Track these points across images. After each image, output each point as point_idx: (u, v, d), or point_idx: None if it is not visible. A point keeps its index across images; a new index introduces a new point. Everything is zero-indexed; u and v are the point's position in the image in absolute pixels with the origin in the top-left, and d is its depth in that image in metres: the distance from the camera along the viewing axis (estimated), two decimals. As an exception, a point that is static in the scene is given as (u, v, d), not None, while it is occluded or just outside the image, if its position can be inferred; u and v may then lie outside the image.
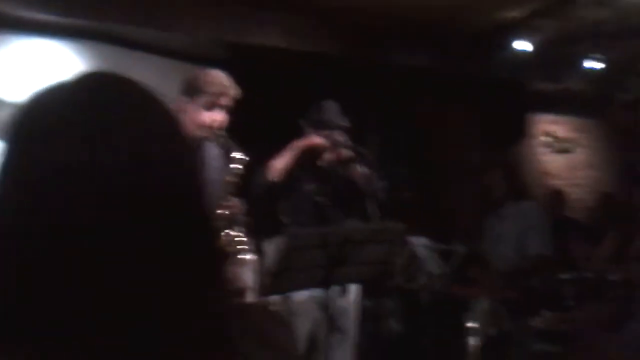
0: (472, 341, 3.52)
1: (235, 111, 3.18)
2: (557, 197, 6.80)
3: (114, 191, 0.70)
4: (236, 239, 3.08)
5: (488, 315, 3.45)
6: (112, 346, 0.67)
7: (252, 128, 4.39)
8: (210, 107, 3.07)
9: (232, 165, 3.11)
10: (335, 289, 3.72)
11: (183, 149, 0.79)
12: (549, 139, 8.27)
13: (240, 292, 3.47)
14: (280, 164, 3.78)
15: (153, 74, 4.74)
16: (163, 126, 0.78)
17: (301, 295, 3.72)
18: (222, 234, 3.05)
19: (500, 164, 5.01)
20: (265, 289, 3.07)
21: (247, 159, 3.07)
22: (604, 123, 8.79)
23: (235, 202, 3.11)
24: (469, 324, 3.57)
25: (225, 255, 0.85)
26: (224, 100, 3.10)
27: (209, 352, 0.72)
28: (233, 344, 0.75)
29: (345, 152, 3.92)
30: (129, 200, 0.70)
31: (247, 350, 0.75)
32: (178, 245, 0.73)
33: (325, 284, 3.11)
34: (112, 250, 0.69)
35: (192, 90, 3.09)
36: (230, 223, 3.09)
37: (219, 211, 3.05)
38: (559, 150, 8.39)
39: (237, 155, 3.07)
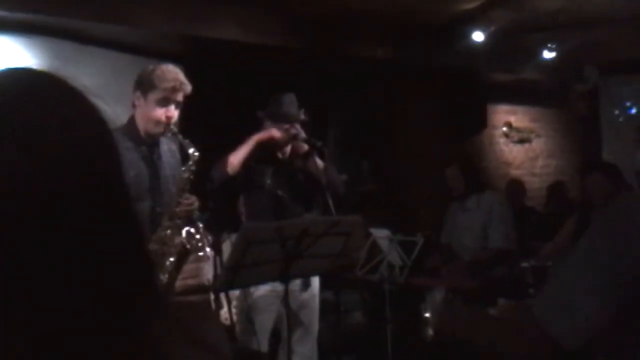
0: (429, 331, 3.54)
1: (191, 105, 3.15)
2: (516, 186, 6.88)
3: (28, 195, 0.68)
4: (194, 235, 3.06)
5: (442, 305, 3.47)
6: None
7: (208, 122, 4.38)
8: (163, 102, 3.04)
9: (187, 162, 3.08)
10: (297, 283, 3.74)
11: (103, 149, 0.77)
12: (507, 129, 8.37)
13: (201, 288, 3.45)
14: (238, 157, 3.77)
15: (107, 69, 4.72)
16: (80, 124, 0.75)
17: (262, 291, 3.72)
18: (181, 230, 3.04)
19: (458, 157, 5.07)
20: (222, 284, 3.05)
21: (199, 154, 3.04)
22: (561, 113, 8.92)
23: (191, 198, 3.08)
24: (426, 314, 3.58)
25: (152, 259, 0.83)
26: (178, 96, 3.07)
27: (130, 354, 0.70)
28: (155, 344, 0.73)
29: (304, 145, 3.92)
30: (43, 203, 0.68)
31: (173, 350, 0.74)
32: (101, 249, 0.72)
33: (283, 277, 3.10)
34: (32, 257, 0.67)
35: (146, 85, 3.05)
36: (187, 219, 3.07)
37: (175, 208, 3.03)
38: (517, 140, 8.49)
39: (191, 151, 3.04)
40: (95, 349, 0.69)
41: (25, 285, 0.68)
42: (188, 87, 3.08)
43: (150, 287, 0.78)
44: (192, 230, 3.06)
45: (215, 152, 3.38)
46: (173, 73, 3.06)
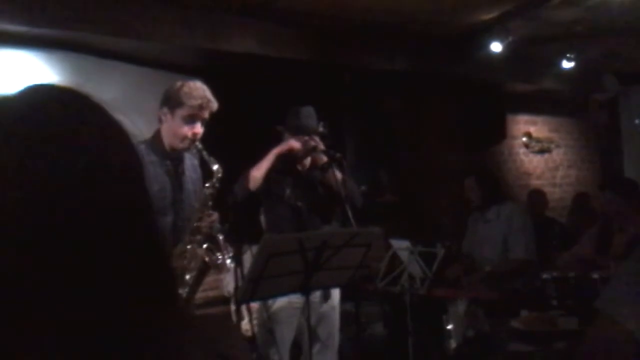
0: (452, 343, 3.52)
1: (212, 118, 3.17)
2: (537, 197, 6.83)
3: (49, 206, 0.69)
4: (214, 250, 3.08)
5: (465, 317, 3.45)
6: None
7: (226, 135, 4.40)
8: (190, 119, 3.06)
9: (210, 178, 3.10)
10: (317, 295, 3.74)
11: (127, 163, 0.78)
12: (527, 140, 8.33)
13: (222, 300, 3.48)
14: (259, 172, 3.79)
15: (127, 83, 4.76)
16: (107, 138, 0.76)
17: (282, 302, 3.72)
18: (202, 245, 3.06)
19: (475, 170, 5.07)
20: (242, 296, 3.05)
21: (222, 171, 3.06)
22: (580, 122, 8.87)
23: (213, 215, 3.10)
24: (448, 326, 3.57)
25: (173, 272, 0.83)
26: (205, 113, 3.09)
27: None
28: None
29: (322, 157, 3.93)
30: (65, 215, 0.69)
31: None
32: (126, 261, 0.73)
33: (304, 289, 3.10)
34: (48, 268, 0.68)
35: (173, 101, 3.08)
36: (208, 234, 3.09)
37: (197, 224, 3.05)
38: (537, 151, 8.45)
39: (215, 167, 3.06)
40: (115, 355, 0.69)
41: (51, 296, 0.69)
42: (214, 105, 3.10)
43: (173, 300, 0.79)
44: (213, 245, 3.09)
45: (233, 165, 3.39)
46: (200, 90, 3.09)
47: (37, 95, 0.77)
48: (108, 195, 0.73)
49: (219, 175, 3.06)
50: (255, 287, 2.91)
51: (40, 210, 0.69)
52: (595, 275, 3.84)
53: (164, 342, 0.73)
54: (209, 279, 3.23)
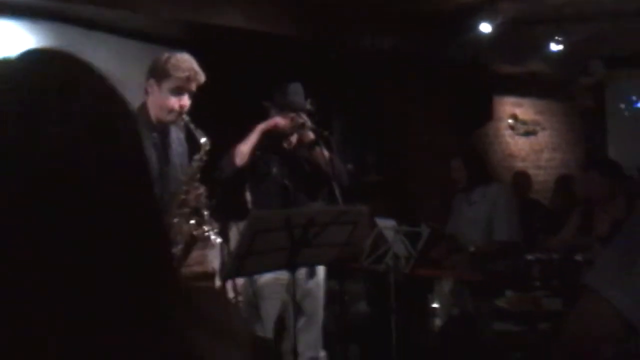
0: (437, 322, 3.54)
1: (198, 93, 3.14)
2: (521, 179, 6.86)
3: (44, 174, 0.66)
4: (201, 223, 3.07)
5: (450, 296, 3.47)
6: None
7: (213, 109, 4.36)
8: (177, 91, 3.03)
9: (197, 151, 3.08)
10: (302, 272, 3.74)
11: (128, 134, 0.75)
12: (513, 122, 8.35)
13: (208, 275, 3.46)
14: (245, 148, 3.77)
15: (112, 55, 4.69)
16: (108, 108, 0.74)
17: (268, 278, 3.72)
18: (188, 218, 3.04)
19: (461, 151, 5.07)
20: (228, 272, 3.05)
21: (209, 144, 3.04)
22: (566, 105, 8.90)
23: (200, 188, 3.08)
24: (433, 305, 3.59)
25: (170, 243, 0.81)
26: (192, 86, 3.06)
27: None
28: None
29: (310, 135, 3.91)
30: (60, 184, 0.67)
31: (197, 338, 0.73)
32: (129, 231, 0.70)
33: (290, 266, 3.10)
34: (44, 240, 0.66)
35: (160, 73, 3.04)
36: (195, 207, 3.07)
37: (184, 197, 3.03)
38: (523, 133, 8.47)
39: (202, 140, 3.04)
40: (122, 338, 0.67)
41: (52, 269, 0.66)
42: (202, 77, 3.07)
43: (172, 273, 0.77)
44: (199, 218, 3.07)
45: (219, 140, 3.36)
46: (188, 62, 3.05)
47: (38, 59, 0.74)
48: (115, 162, 0.70)
49: (207, 148, 3.04)
50: (242, 263, 2.91)
51: (40, 183, 0.66)
52: (579, 257, 3.87)
53: (166, 317, 0.71)
54: (194, 254, 3.21)
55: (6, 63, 0.73)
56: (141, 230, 0.72)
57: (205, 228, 3.07)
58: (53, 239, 0.66)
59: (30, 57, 0.74)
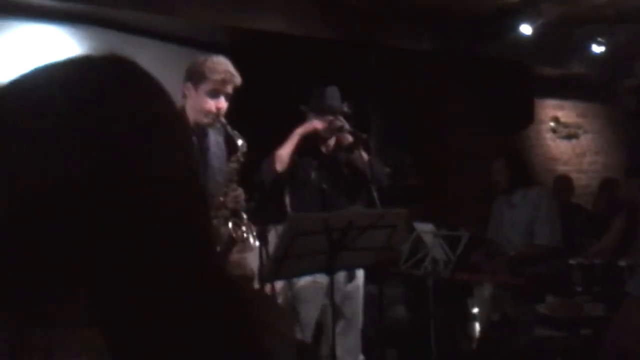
0: (476, 327, 3.50)
1: (236, 97, 3.16)
2: (563, 183, 6.75)
3: (100, 176, 0.67)
4: (239, 226, 3.08)
5: (491, 300, 3.43)
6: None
7: (252, 113, 4.38)
8: (214, 94, 3.06)
9: (235, 153, 3.10)
10: (341, 275, 3.73)
11: (183, 138, 0.77)
12: (554, 125, 8.23)
13: (247, 279, 3.48)
14: (285, 153, 3.79)
15: (153, 60, 4.72)
16: (163, 112, 0.76)
17: (306, 282, 3.72)
18: (227, 221, 3.06)
19: (504, 152, 4.99)
20: (266, 275, 3.05)
21: (246, 146, 3.06)
22: (609, 108, 8.74)
23: (238, 190, 3.10)
24: (473, 310, 3.55)
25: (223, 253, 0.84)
26: (228, 88, 3.09)
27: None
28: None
29: (348, 138, 3.90)
30: (111, 186, 0.68)
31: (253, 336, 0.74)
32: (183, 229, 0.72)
33: (328, 269, 3.09)
34: (104, 241, 0.67)
35: (197, 76, 3.08)
36: (234, 210, 3.09)
37: (222, 199, 3.05)
38: (565, 136, 8.34)
39: (239, 142, 3.06)
40: (170, 341, 0.68)
41: (102, 272, 0.67)
42: (238, 79, 3.10)
43: (223, 274, 0.78)
44: (238, 221, 3.09)
45: (258, 143, 3.38)
46: (224, 65, 3.08)
47: (93, 63, 0.76)
48: (169, 162, 0.72)
49: (244, 150, 3.06)
50: (280, 266, 2.91)
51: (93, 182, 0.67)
52: (622, 263, 3.79)
53: (215, 316, 0.72)
54: (233, 257, 3.23)
55: (53, 67, 0.74)
56: (191, 225, 0.73)
57: (244, 230, 3.08)
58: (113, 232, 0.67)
59: (87, 61, 0.76)
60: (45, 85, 0.72)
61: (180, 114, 0.79)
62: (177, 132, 0.76)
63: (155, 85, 0.77)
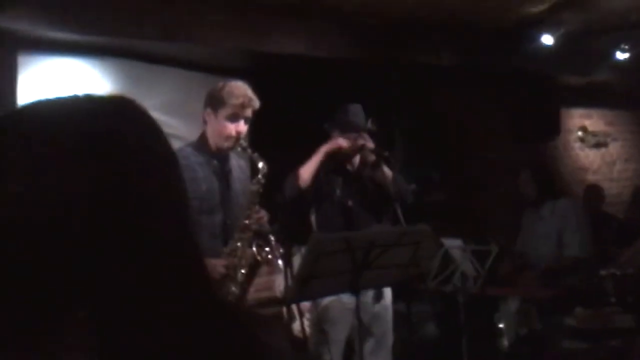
0: (504, 341, 3.47)
1: (258, 119, 3.20)
2: (593, 192, 6.67)
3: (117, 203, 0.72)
4: (264, 247, 3.11)
5: (518, 315, 3.40)
6: None
7: (275, 135, 4.42)
8: (233, 118, 3.11)
9: (256, 175, 3.14)
10: (369, 295, 3.73)
11: (175, 167, 0.81)
12: (582, 134, 8.13)
13: (275, 300, 3.50)
14: (308, 170, 3.80)
15: (176, 87, 4.83)
16: (156, 146, 0.79)
17: (333, 301, 3.72)
18: (251, 243, 3.09)
19: (530, 163, 4.96)
20: (292, 295, 3.07)
21: (268, 168, 3.10)
22: (637, 115, 8.62)
23: (261, 212, 3.13)
24: (500, 325, 3.52)
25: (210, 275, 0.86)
26: (247, 112, 3.13)
27: None
28: None
29: (372, 155, 3.91)
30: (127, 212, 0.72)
31: None
32: (165, 260, 0.75)
33: (353, 288, 3.09)
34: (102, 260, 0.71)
35: (216, 101, 3.14)
36: (258, 232, 3.12)
37: (246, 221, 3.08)
38: (593, 145, 8.24)
39: (260, 165, 3.10)
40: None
41: (92, 292, 0.71)
42: (256, 103, 3.14)
43: (215, 302, 0.80)
44: (262, 242, 3.12)
45: (282, 165, 3.41)
46: (242, 89, 3.13)
47: (85, 101, 0.79)
48: (157, 199, 0.75)
49: (265, 172, 3.09)
50: (304, 286, 2.92)
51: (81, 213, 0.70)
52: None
53: (205, 340, 0.74)
54: (261, 279, 3.25)
55: (71, 100, 0.78)
56: (179, 255, 0.76)
57: (269, 252, 3.11)
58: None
59: (92, 99, 0.79)
60: (54, 115, 0.75)
61: (173, 152, 0.83)
62: (170, 165, 0.80)
63: (152, 124, 0.81)
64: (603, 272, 4.26)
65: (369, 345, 3.78)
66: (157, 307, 0.72)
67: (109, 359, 0.70)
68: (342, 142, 3.89)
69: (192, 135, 3.42)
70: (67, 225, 0.69)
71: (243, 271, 3.06)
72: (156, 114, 0.99)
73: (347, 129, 3.93)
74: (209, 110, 3.16)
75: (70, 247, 0.69)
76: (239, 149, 3.15)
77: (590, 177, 7.98)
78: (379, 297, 3.87)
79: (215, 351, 0.74)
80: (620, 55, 6.77)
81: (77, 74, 4.47)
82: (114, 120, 0.77)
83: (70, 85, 4.32)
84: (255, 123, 3.23)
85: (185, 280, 0.76)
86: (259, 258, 3.10)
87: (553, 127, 7.48)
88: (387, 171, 3.91)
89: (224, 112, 3.11)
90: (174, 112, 4.46)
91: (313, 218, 4.05)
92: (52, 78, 4.34)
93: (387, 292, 3.95)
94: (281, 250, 3.20)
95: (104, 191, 0.71)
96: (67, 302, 0.71)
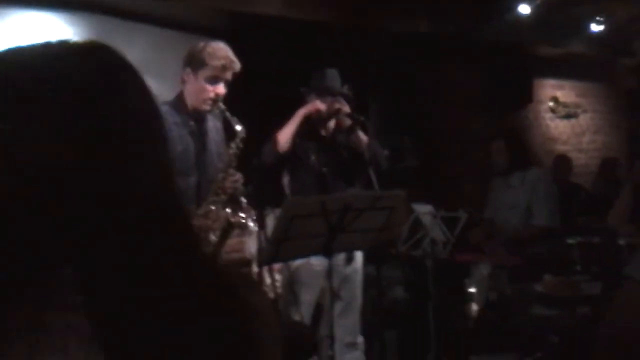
0: (474, 306, 3.53)
1: (236, 81, 3.17)
2: (562, 163, 6.76)
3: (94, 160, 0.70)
4: (237, 210, 3.10)
5: (488, 280, 3.46)
6: None
7: (250, 97, 4.38)
8: (213, 80, 3.07)
9: (233, 138, 3.12)
10: (340, 257, 3.75)
11: (158, 120, 0.79)
12: (553, 104, 8.21)
13: (246, 262, 3.51)
14: (286, 134, 3.79)
15: (149, 45, 4.75)
16: (146, 106, 0.77)
17: (302, 264, 3.74)
18: (225, 205, 3.08)
19: (503, 133, 4.98)
20: (265, 258, 3.08)
21: (245, 131, 3.08)
22: (608, 87, 8.72)
23: (236, 174, 3.12)
24: (470, 289, 3.58)
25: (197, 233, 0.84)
26: (228, 74, 3.09)
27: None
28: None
29: (347, 120, 3.91)
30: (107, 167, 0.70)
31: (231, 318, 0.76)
32: (151, 222, 0.73)
33: (326, 251, 3.11)
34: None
35: (196, 62, 3.08)
36: (232, 195, 3.11)
37: (221, 184, 3.07)
38: (564, 116, 8.33)
39: (238, 127, 3.07)
40: (152, 332, 0.70)
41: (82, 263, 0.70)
42: (237, 66, 3.10)
43: (200, 260, 0.79)
44: (236, 205, 3.11)
45: (257, 127, 3.39)
46: (223, 51, 3.08)
47: (81, 52, 0.77)
48: (133, 154, 0.73)
49: (242, 135, 3.07)
50: (278, 249, 2.93)
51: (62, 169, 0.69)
52: (622, 242, 3.80)
53: (196, 302, 0.74)
54: (232, 241, 3.25)
55: (46, 49, 0.75)
56: (165, 216, 0.75)
57: (242, 215, 3.11)
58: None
59: (69, 46, 0.76)
60: (27, 66, 0.73)
61: (155, 102, 0.80)
62: (152, 116, 0.78)
63: (136, 76, 0.78)
64: (570, 241, 4.34)
65: (338, 307, 3.82)
66: (143, 261, 0.71)
67: (95, 317, 0.69)
68: (320, 105, 3.87)
69: (165, 94, 3.36)
70: (49, 179, 0.68)
71: (216, 233, 3.05)
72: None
73: (323, 92, 3.91)
74: (188, 70, 3.10)
75: (51, 201, 0.68)
76: (217, 111, 3.12)
77: (560, 148, 8.08)
78: (350, 259, 3.90)
79: (202, 306, 0.73)
80: (595, 27, 6.82)
81: (47, 28, 4.36)
82: (92, 67, 0.74)
83: (40, 40, 4.21)
84: (231, 85, 3.19)
85: (171, 234, 0.75)
86: (231, 220, 3.09)
87: (525, 97, 7.54)
88: (362, 136, 3.91)
89: (203, 73, 3.06)
90: (147, 70, 4.35)
91: (285, 180, 4.05)
92: (21, 32, 4.23)
93: (358, 256, 3.98)
94: (253, 213, 3.20)
95: (85, 142, 0.69)
96: (51, 259, 0.70)
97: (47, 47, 0.75)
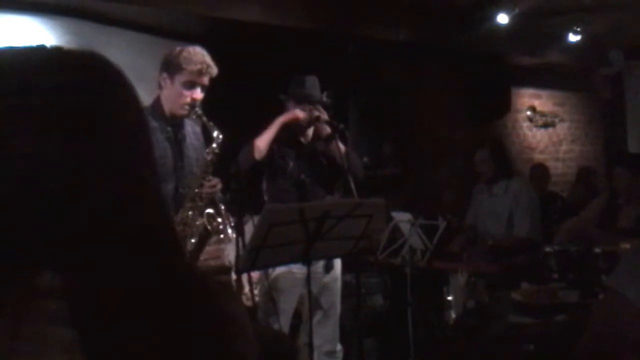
0: (452, 314, 3.53)
1: (212, 87, 3.15)
2: (540, 171, 6.81)
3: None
4: (215, 217, 3.08)
5: (466, 288, 3.46)
6: None
7: (228, 103, 4.37)
8: (190, 85, 3.04)
9: (210, 144, 3.09)
10: (319, 265, 3.74)
11: (145, 125, 0.80)
12: (531, 113, 8.28)
13: (224, 269, 3.48)
14: (264, 141, 3.77)
15: (127, 50, 4.71)
16: (128, 101, 0.77)
17: (283, 271, 3.73)
18: (203, 212, 3.06)
19: (488, 142, 4.99)
20: (243, 265, 3.05)
21: (222, 137, 3.06)
22: (585, 97, 8.81)
23: (213, 180, 3.10)
24: (449, 297, 3.58)
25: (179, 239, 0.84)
26: (205, 79, 3.07)
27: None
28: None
29: (326, 128, 3.90)
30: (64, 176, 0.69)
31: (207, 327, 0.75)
32: (133, 224, 0.73)
33: (305, 259, 3.10)
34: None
35: (173, 67, 3.06)
36: (209, 201, 3.09)
37: (198, 190, 3.04)
38: (541, 125, 8.40)
39: (215, 133, 3.05)
40: (131, 334, 0.69)
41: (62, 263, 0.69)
42: (214, 70, 3.08)
43: (182, 267, 0.78)
44: (214, 212, 3.09)
45: (235, 134, 3.37)
46: (200, 56, 3.06)
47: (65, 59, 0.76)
48: (117, 156, 0.74)
49: (219, 141, 3.05)
50: (256, 256, 2.91)
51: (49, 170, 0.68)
52: (598, 250, 3.82)
53: (174, 311, 0.73)
54: (211, 248, 3.23)
55: (35, 51, 0.76)
56: (149, 219, 0.74)
57: (220, 221, 3.08)
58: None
59: (60, 51, 0.77)
60: (18, 67, 0.73)
61: (143, 112, 0.81)
62: (141, 123, 0.79)
63: (125, 81, 0.79)
64: (547, 249, 4.36)
65: (317, 315, 3.81)
66: (124, 262, 0.71)
67: (77, 317, 0.68)
68: (299, 113, 3.86)
69: (143, 99, 3.33)
70: (34, 179, 0.67)
71: (193, 240, 3.02)
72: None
73: (302, 100, 3.90)
74: (164, 75, 3.08)
75: (35, 201, 0.67)
76: (194, 116, 3.10)
77: (537, 156, 8.15)
78: (329, 267, 3.89)
79: (179, 314, 0.73)
80: (573, 37, 6.89)
81: (26, 32, 4.33)
82: (86, 74, 0.75)
83: (18, 43, 4.17)
84: (209, 90, 3.17)
85: (153, 237, 0.74)
86: (209, 228, 3.07)
87: (503, 106, 7.60)
88: (341, 145, 3.90)
89: (180, 78, 3.04)
90: (124, 75, 4.35)
91: (264, 186, 4.03)
92: (2, 35, 4.19)
93: (337, 263, 3.97)
94: (232, 220, 3.18)
95: (72, 145, 0.69)
96: (30, 261, 0.68)
97: (42, 50, 0.76)
